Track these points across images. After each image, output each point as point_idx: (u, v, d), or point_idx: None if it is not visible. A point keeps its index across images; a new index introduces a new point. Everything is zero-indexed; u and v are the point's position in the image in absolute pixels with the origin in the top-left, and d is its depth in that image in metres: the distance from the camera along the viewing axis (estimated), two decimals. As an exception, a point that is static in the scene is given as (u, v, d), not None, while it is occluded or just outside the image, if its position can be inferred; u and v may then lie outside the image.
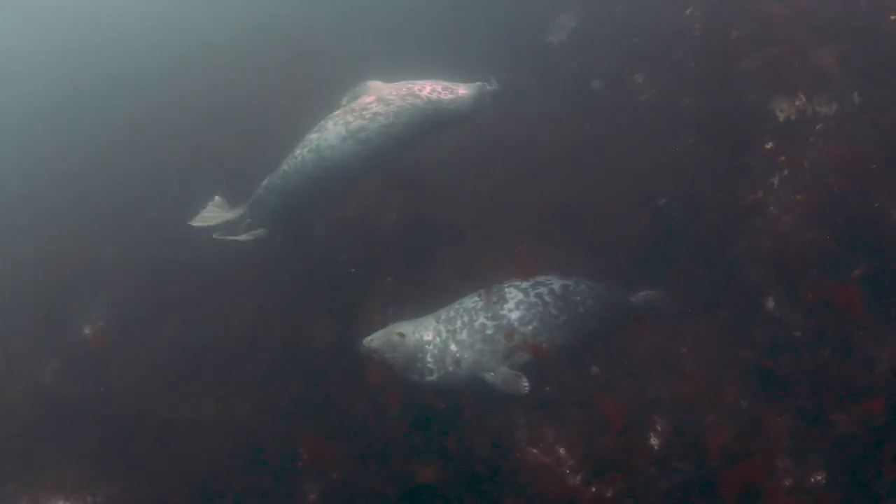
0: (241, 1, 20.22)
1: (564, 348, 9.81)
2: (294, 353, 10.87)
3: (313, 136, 10.81)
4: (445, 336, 9.66)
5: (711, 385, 9.59)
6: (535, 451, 9.22)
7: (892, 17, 10.45)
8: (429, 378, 9.65)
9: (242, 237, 11.17)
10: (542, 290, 9.87)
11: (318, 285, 11.45)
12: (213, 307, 11.89)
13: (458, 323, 9.74)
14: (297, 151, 10.88)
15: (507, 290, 9.89)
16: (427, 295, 10.75)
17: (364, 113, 10.64)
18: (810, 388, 9.19)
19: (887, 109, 10.23)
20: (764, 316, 10.03)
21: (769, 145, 10.73)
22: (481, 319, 9.65)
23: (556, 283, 9.98)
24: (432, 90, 10.84)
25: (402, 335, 9.74)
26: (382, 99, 10.73)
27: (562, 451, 9.18)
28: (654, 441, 9.10)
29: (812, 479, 8.65)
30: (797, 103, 10.71)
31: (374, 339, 9.82)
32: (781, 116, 10.78)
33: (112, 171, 15.75)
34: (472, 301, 9.91)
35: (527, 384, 9.42)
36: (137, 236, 13.53)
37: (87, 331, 12.57)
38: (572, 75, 12.86)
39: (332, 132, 10.67)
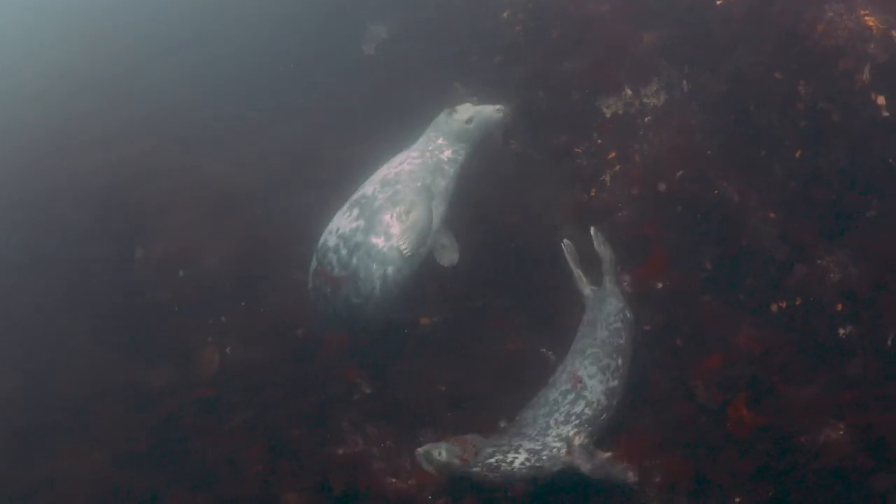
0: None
1: None
2: (138, 398, 10.26)
3: None
4: None
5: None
6: (393, 480, 8.83)
7: (718, 2, 10.44)
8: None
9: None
10: None
11: (149, 329, 10.90)
12: (50, 359, 11.20)
13: None
14: None
15: None
16: (263, 331, 10.35)
17: None
18: (669, 378, 9.15)
19: (717, 94, 10.24)
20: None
21: (598, 143, 10.58)
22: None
23: None
24: None
25: None
26: None
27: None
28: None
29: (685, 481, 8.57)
30: (623, 97, 10.62)
31: None
32: (608, 112, 10.67)
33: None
34: None
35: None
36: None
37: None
38: (387, 88, 12.58)
39: None
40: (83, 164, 13.12)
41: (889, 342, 8.92)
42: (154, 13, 15.61)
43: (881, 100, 9.49)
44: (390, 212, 9.47)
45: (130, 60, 15.22)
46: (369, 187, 9.72)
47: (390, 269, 9.45)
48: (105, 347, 10.95)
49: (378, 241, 9.40)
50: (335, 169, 11.12)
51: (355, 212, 9.53)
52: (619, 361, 8.93)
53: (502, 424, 8.87)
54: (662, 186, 10.07)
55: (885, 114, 9.47)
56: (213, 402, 9.91)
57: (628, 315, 9.31)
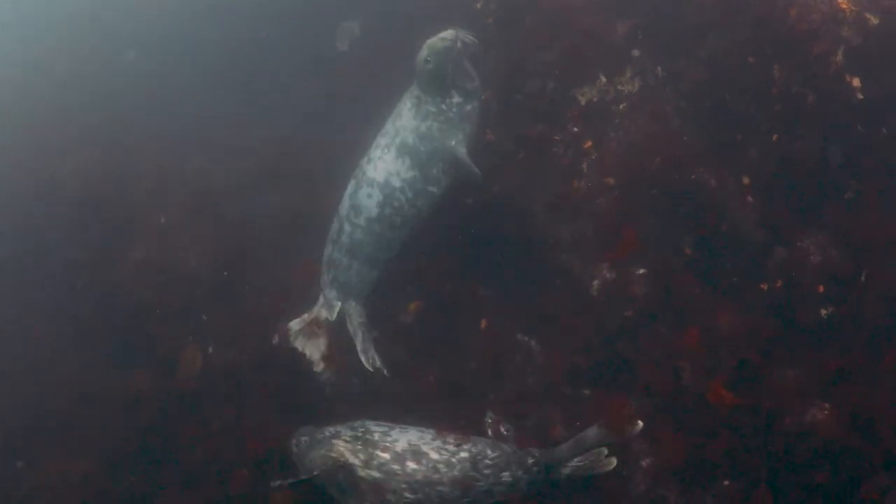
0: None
1: None
2: (122, 401, 10.30)
3: None
4: None
5: (549, 381, 9.54)
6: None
7: (692, -14, 10.49)
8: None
9: None
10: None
11: (130, 330, 10.91)
12: (32, 364, 11.22)
13: None
14: None
15: None
16: (245, 328, 10.39)
17: None
18: (652, 364, 9.22)
19: (692, 80, 10.27)
20: (592, 303, 9.88)
21: (574, 131, 10.58)
22: None
23: None
24: None
25: None
26: None
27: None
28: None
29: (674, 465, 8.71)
30: (598, 84, 10.62)
31: None
32: (583, 100, 10.65)
33: None
34: None
35: None
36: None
37: None
38: (363, 83, 12.53)
39: None
40: (62, 165, 12.99)
41: (862, 278, 9.12)
42: (129, 10, 15.46)
43: (856, 82, 9.55)
44: (437, 166, 9.84)
45: (106, 57, 15.02)
46: (408, 136, 9.91)
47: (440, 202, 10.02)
48: (87, 350, 10.96)
49: (434, 189, 9.87)
50: (315, 165, 11.13)
51: (407, 161, 9.84)
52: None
53: (488, 419, 8.93)
54: (639, 173, 10.08)
55: (860, 96, 9.54)
56: (197, 402, 9.96)
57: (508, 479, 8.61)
